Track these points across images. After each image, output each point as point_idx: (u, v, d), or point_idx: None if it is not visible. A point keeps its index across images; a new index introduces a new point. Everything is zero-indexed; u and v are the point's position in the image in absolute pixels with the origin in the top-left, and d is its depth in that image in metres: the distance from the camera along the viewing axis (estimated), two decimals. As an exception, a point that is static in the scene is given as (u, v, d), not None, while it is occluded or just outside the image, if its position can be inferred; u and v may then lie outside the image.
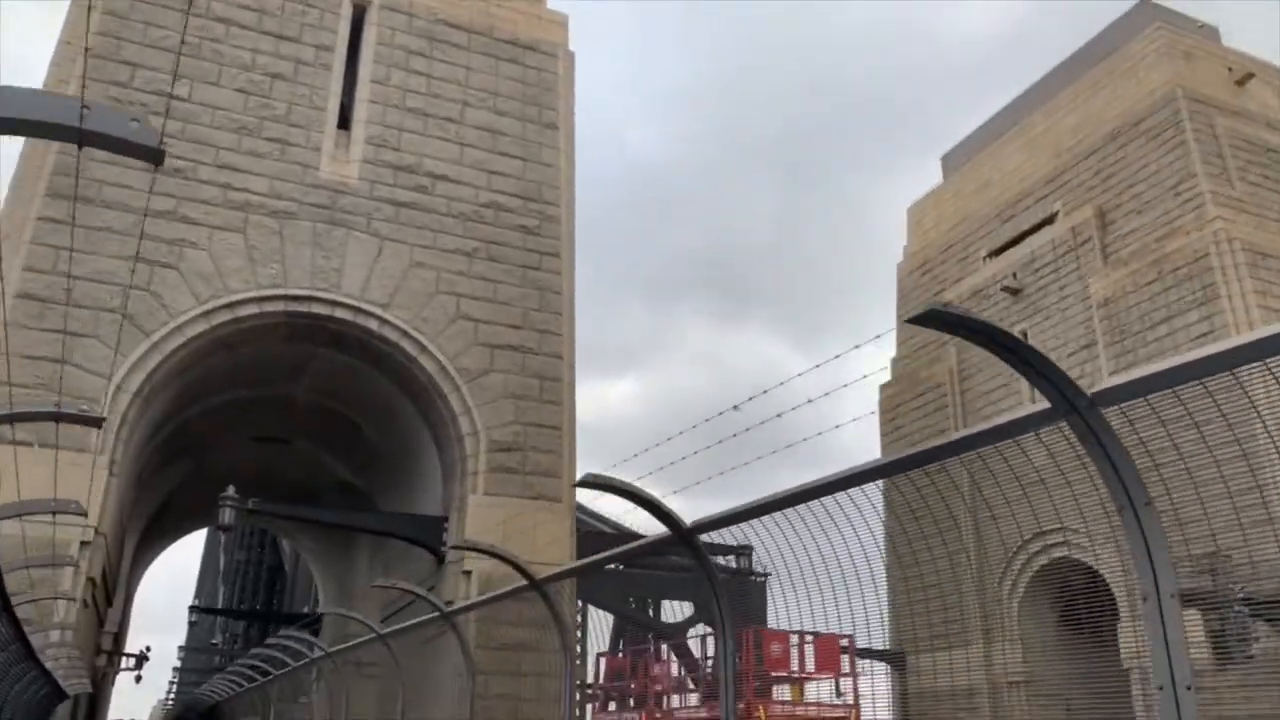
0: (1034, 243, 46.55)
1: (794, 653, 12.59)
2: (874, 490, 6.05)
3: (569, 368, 24.38)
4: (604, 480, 8.08)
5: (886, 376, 52.54)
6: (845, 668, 13.08)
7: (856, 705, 12.37)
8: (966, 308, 4.17)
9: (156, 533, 35.32)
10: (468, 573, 21.39)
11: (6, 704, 13.95)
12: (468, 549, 16.44)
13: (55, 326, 19.86)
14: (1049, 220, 46.65)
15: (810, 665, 12.64)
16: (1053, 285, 44.57)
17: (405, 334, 22.87)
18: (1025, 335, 45.25)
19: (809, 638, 12.65)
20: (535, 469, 23.06)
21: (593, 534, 25.49)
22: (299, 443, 29.97)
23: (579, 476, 6.89)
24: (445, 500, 23.81)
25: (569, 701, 11.30)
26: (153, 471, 28.13)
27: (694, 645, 21.17)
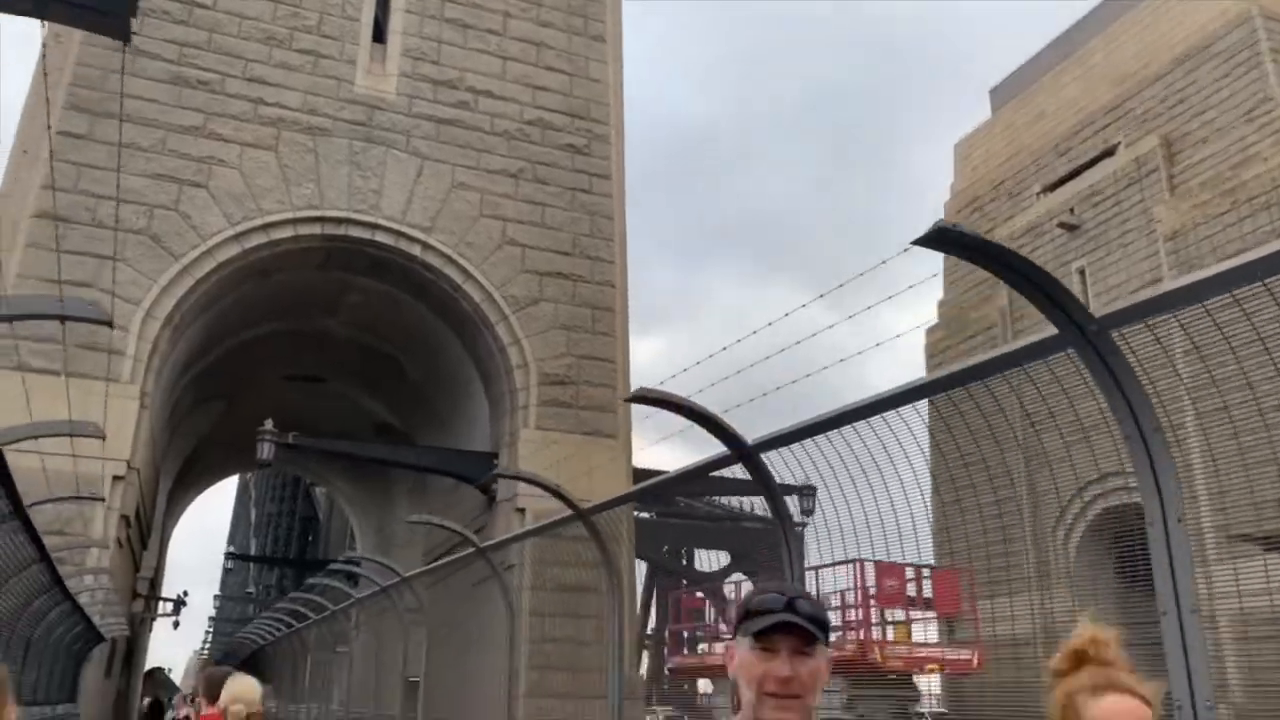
0: (1093, 176, 44.34)
1: (910, 588, 11.18)
2: (919, 424, 5.26)
3: (621, 297, 22.88)
4: (655, 394, 6.72)
5: (932, 326, 50.71)
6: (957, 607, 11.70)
7: (980, 643, 11.02)
8: (970, 228, 3.81)
9: (190, 478, 34.39)
10: (521, 510, 20.09)
11: (48, 647, 12.86)
12: (509, 477, 15.16)
13: (77, 248, 18.55)
14: (1109, 152, 44.35)
15: (926, 602, 11.25)
16: (1114, 220, 42.45)
17: (449, 260, 21.41)
18: (1084, 273, 43.23)
19: (925, 571, 11.24)
20: (589, 403, 21.67)
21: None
22: (335, 382, 28.73)
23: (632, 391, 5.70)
24: (494, 437, 22.50)
25: (617, 644, 9.90)
26: (185, 412, 27.01)
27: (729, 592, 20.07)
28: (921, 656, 10.60)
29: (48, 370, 17.69)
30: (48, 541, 15.10)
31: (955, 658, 10.71)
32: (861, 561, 10.33)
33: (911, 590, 10.88)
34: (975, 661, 10.90)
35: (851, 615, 12.11)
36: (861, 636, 11.53)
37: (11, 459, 13.95)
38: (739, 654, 1.93)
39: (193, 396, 26.23)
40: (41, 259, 18.25)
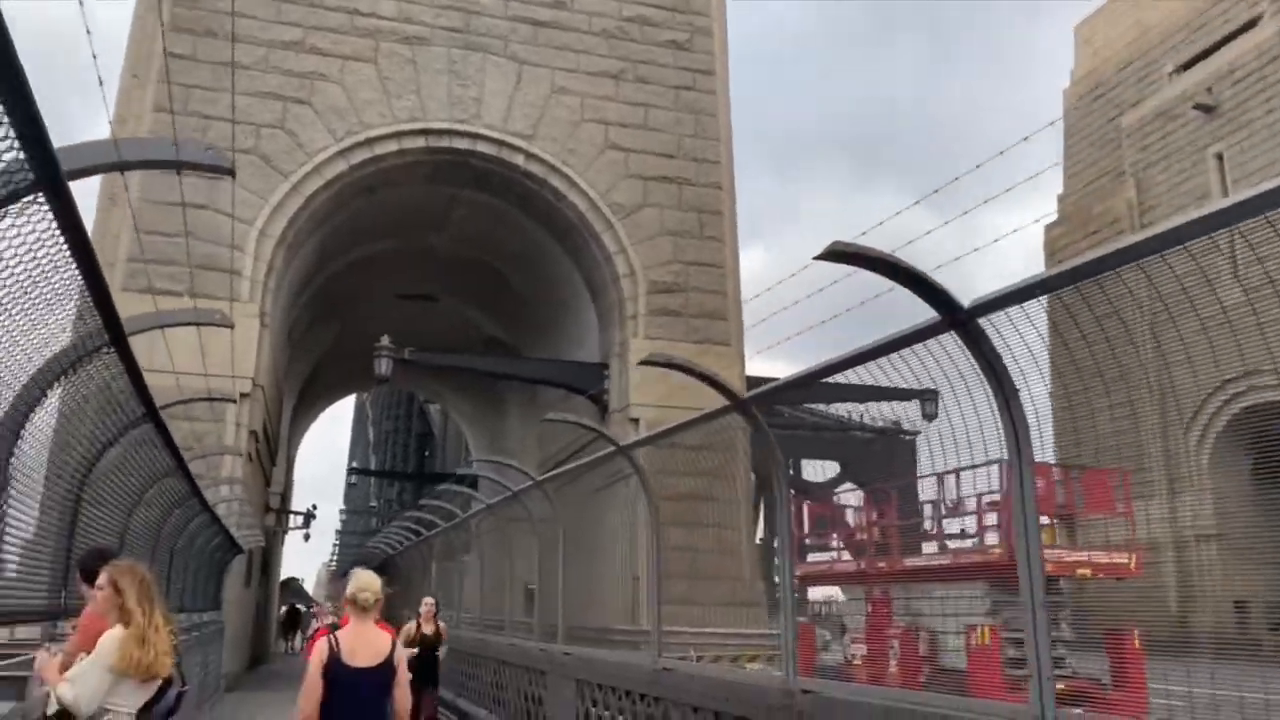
0: (1232, 51, 40.77)
1: (1059, 490, 10.50)
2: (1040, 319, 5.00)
3: (729, 200, 22.12)
4: (853, 249, 5.72)
5: (1051, 223, 48.11)
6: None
7: (1138, 546, 10.34)
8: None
9: (311, 397, 35.50)
10: (635, 420, 19.92)
11: (191, 557, 13.36)
12: (660, 365, 14.74)
13: (191, 170, 18.74)
14: (1252, 23, 40.62)
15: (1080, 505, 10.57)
16: (1257, 99, 39.09)
17: (552, 168, 20.97)
18: (1221, 158, 40.13)
19: (1074, 473, 10.54)
20: (699, 311, 21.19)
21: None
22: (444, 299, 28.92)
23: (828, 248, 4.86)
24: (603, 348, 22.29)
25: (788, 541, 8.96)
26: (302, 331, 27.64)
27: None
28: (1073, 561, 10.00)
29: (172, 291, 18.10)
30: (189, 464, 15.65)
31: (1110, 561, 10.08)
32: (1005, 463, 9.65)
33: (1061, 492, 10.23)
34: (1133, 565, 10.25)
35: (990, 519, 11.50)
36: (1011, 540, 10.87)
37: (151, 378, 14.34)
38: None
39: (309, 316, 26.77)
40: (158, 181, 18.52)
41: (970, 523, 12.02)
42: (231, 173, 4.99)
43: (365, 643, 5.06)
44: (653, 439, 9.35)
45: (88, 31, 6.68)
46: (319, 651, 4.99)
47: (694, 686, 6.85)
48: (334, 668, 4.90)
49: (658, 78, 21.93)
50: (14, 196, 2.84)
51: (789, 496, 7.63)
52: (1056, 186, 49.53)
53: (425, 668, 11.34)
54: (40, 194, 2.92)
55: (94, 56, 7.12)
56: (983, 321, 4.80)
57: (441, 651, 12.23)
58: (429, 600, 12.78)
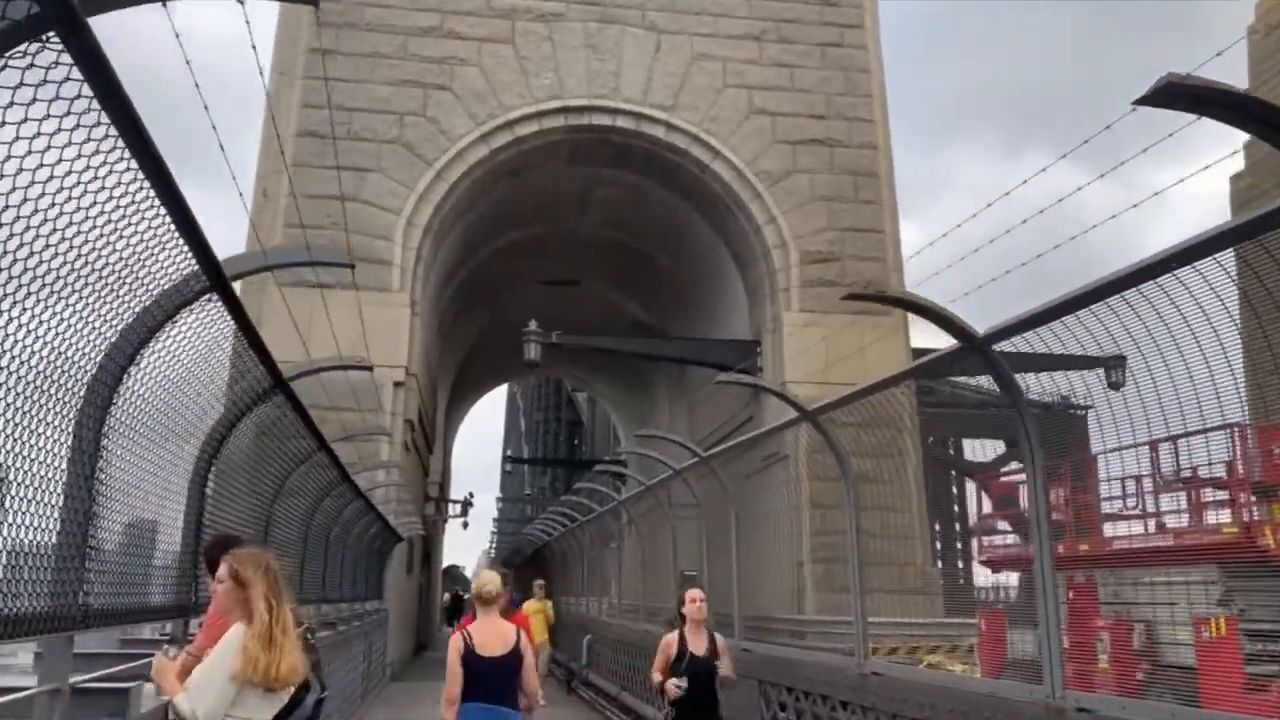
0: None
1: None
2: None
3: (885, 160, 20.74)
4: (866, 296, 4.82)
5: (1237, 174, 43.82)
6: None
7: None
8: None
9: (464, 388, 35.99)
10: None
11: (348, 546, 13.31)
12: (868, 299, 13.56)
13: (338, 163, 18.88)
14: None
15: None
16: None
17: (694, 139, 20.14)
18: None
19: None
20: (857, 280, 19.93)
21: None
22: (589, 283, 28.57)
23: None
24: (754, 324, 21.35)
25: (1045, 513, 6.83)
26: (452, 320, 27.84)
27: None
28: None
29: (325, 284, 18.25)
30: (340, 448, 15.72)
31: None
32: (1242, 427, 8.24)
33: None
34: None
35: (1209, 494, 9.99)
36: (1247, 519, 9.40)
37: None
38: None
39: (457, 306, 26.91)
40: (306, 176, 18.74)
41: (1192, 498, 10.49)
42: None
43: (494, 634, 5.73)
44: (848, 400, 7.71)
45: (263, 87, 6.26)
46: (455, 645, 5.69)
47: (914, 696, 5.76)
48: (470, 658, 5.61)
49: (802, 36, 20.74)
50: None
51: (1036, 457, 6.08)
52: (1240, 135, 45.02)
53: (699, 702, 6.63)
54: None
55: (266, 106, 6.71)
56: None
57: (724, 668, 6.87)
58: (696, 594, 7.13)
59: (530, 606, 16.51)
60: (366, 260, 18.45)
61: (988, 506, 13.44)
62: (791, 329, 19.41)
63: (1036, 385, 6.31)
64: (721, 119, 20.24)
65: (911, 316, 20.61)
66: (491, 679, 5.60)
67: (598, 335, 28.82)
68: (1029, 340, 5.26)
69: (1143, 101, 3.38)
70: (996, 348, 5.29)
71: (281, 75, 19.22)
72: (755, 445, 12.37)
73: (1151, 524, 10.76)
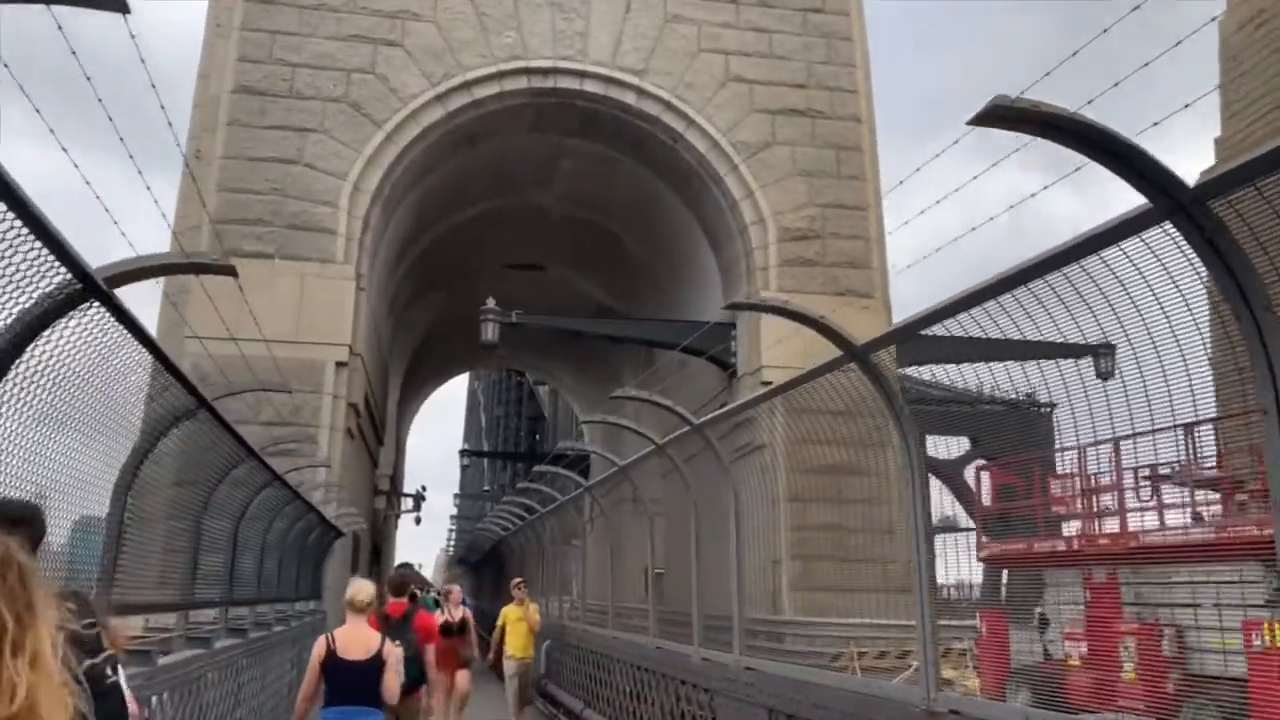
0: None
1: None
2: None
3: (869, 133, 19.52)
4: (1022, 105, 3.64)
5: (1207, 170, 43.33)
6: None
7: None
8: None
9: (419, 376, 34.33)
10: (767, 384, 17.56)
11: (275, 543, 11.80)
12: (746, 308, 12.41)
13: (277, 122, 17.29)
14: None
15: None
16: None
17: (667, 105, 18.79)
18: None
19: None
20: (839, 259, 18.71)
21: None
22: (553, 268, 27.12)
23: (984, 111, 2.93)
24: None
25: (921, 517, 6.77)
26: (406, 304, 26.25)
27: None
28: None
29: (263, 254, 16.69)
30: (275, 432, 14.13)
31: None
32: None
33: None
34: None
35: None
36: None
37: (240, 348, 12.76)
38: None
39: (412, 287, 25.34)
40: (243, 137, 17.13)
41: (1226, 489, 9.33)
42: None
43: (358, 640, 5.97)
44: (775, 393, 8.02)
45: None
46: (318, 649, 5.95)
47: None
48: (331, 660, 5.85)
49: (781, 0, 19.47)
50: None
51: (918, 457, 6.41)
52: (1212, 130, 44.65)
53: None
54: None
55: None
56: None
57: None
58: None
59: (509, 614, 13.32)
60: (308, 229, 16.89)
61: (987, 498, 12.23)
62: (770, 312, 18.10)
63: (1005, 378, 6.04)
64: (696, 85, 18.91)
65: (893, 296, 19.41)
66: (351, 682, 5.87)
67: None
68: (1022, 326, 5.07)
69: (974, 122, 3.41)
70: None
71: (218, 27, 17.61)
72: (731, 418, 11.03)
73: (1178, 515, 9.61)
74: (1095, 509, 10.81)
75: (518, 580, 14.39)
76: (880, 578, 17.27)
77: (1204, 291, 4.31)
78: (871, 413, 8.01)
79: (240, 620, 9.28)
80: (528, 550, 25.09)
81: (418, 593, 27.74)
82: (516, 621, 13.22)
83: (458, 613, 11.75)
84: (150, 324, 7.02)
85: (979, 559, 13.48)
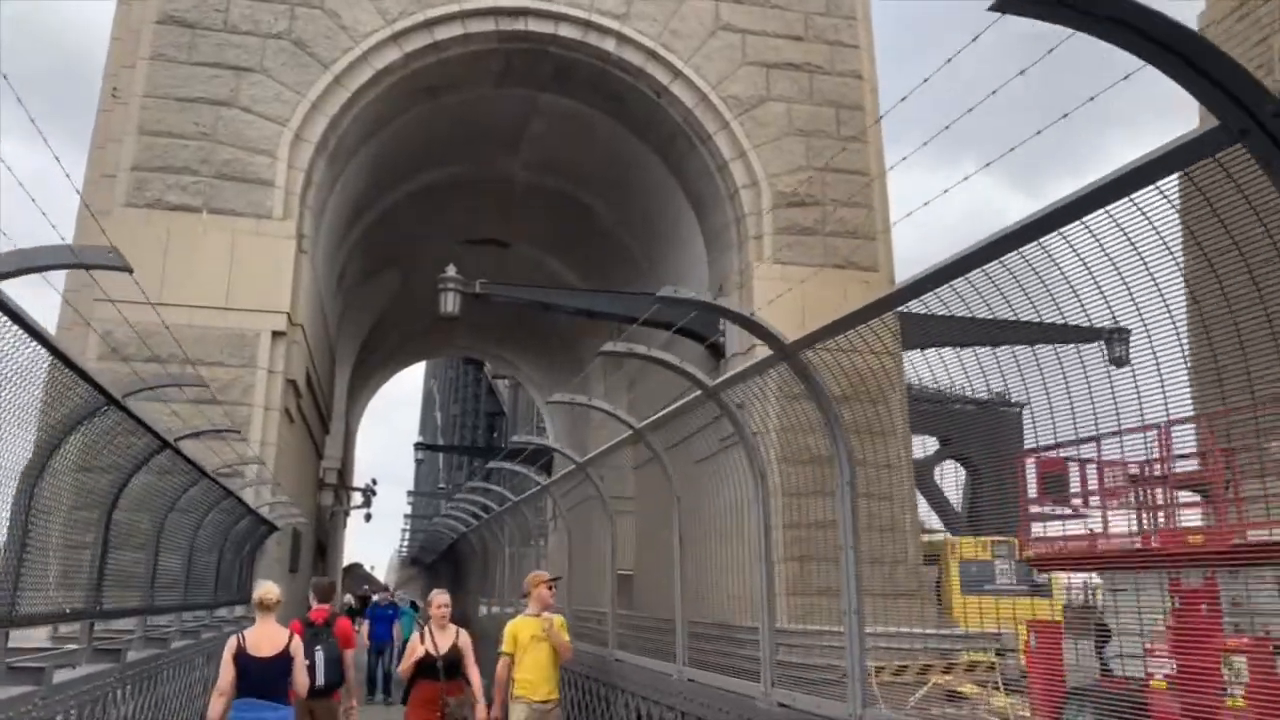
0: None
1: None
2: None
3: (871, 91, 17.81)
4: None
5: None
6: None
7: None
8: None
9: (371, 363, 32.04)
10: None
11: (184, 537, 9.75)
12: (670, 302, 10.63)
13: (209, 59, 15.12)
14: None
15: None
16: None
17: (651, 54, 16.91)
18: None
19: None
20: (839, 228, 16.96)
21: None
22: (518, 245, 25.09)
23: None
24: (714, 280, 18.23)
25: (849, 512, 5.94)
26: (357, 281, 24.09)
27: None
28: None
29: (189, 207, 14.52)
30: (205, 413, 12.02)
31: None
32: None
33: None
34: None
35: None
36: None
37: (161, 314, 10.61)
38: None
39: (362, 261, 23.19)
40: (169, 74, 14.95)
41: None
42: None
43: (267, 637, 6.33)
44: (741, 377, 7.07)
45: None
46: (230, 645, 6.27)
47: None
48: (241, 656, 6.19)
49: (779, -58, 17.69)
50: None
51: (846, 457, 5.95)
52: (1188, 123, 43.94)
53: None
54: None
55: None
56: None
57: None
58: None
59: (520, 631, 7.88)
60: (241, 179, 14.74)
61: (1032, 489, 10.50)
62: (763, 281, 16.26)
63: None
64: (683, 33, 17.06)
65: (897, 270, 17.66)
66: (259, 676, 6.12)
67: (529, 309, 25.33)
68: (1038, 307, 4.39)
69: (996, 9, 2.91)
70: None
71: (139, -53, 15.39)
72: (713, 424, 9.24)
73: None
74: (1174, 500, 9.14)
75: (541, 576, 8.40)
76: (886, 580, 15.61)
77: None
78: (874, 399, 6.76)
79: (112, 638, 7.26)
80: (489, 550, 23.05)
81: (372, 597, 25.44)
82: (533, 642, 7.84)
83: (447, 638, 7.34)
84: (56, 283, 5.63)
85: (1025, 559, 11.94)
